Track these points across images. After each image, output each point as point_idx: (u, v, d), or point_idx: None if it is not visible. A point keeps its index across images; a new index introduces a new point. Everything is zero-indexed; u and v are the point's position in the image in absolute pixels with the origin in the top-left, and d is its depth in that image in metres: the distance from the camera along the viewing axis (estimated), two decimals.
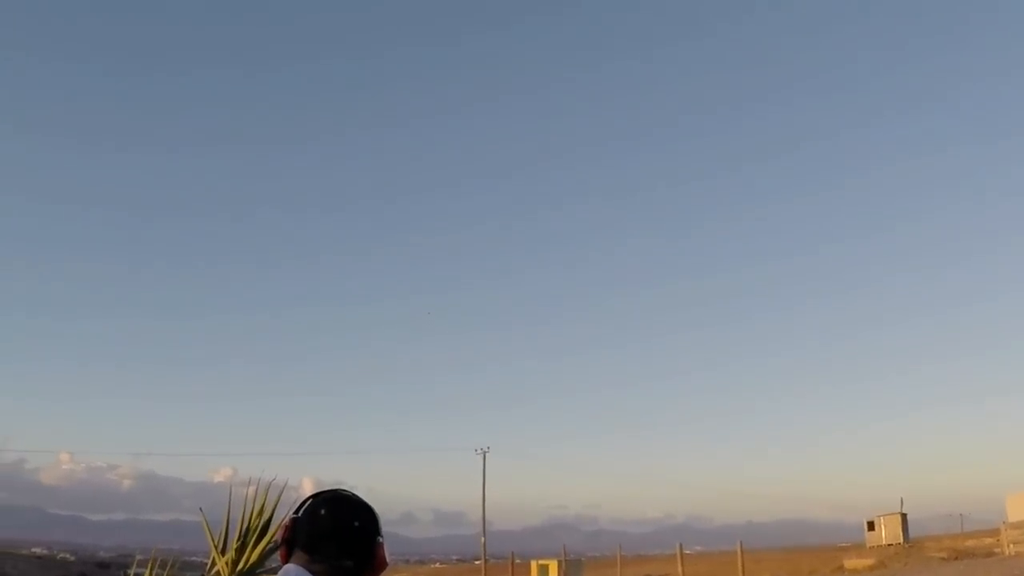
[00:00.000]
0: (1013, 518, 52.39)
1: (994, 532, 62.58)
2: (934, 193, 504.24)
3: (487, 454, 72.28)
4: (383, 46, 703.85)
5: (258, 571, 7.91)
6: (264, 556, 8.09)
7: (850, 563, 62.75)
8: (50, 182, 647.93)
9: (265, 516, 8.10)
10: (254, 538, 8.03)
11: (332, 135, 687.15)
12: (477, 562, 74.41)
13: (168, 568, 8.56)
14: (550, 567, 62.38)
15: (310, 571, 2.93)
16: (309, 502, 3.07)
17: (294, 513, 3.08)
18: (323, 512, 3.01)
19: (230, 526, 8.20)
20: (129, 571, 8.87)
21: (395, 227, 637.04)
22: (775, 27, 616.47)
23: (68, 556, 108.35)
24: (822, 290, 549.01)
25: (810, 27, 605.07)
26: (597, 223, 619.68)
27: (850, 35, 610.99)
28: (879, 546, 69.04)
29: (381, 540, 3.06)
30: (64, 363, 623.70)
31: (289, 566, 2.95)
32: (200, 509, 8.73)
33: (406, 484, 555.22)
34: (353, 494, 3.13)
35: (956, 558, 58.39)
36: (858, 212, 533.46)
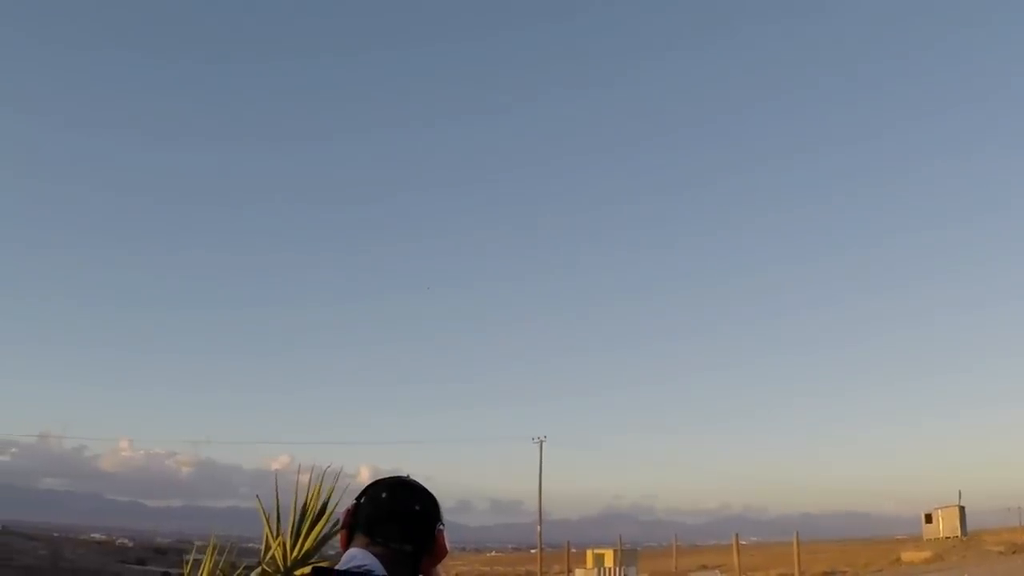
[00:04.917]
0: None
1: None
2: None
3: (544, 443, 72.24)
4: (410, 44, 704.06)
5: (312, 559, 7.93)
6: (320, 542, 8.13)
7: (907, 556, 62.25)
8: (106, 174, 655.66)
9: (320, 502, 8.14)
10: (307, 525, 8.07)
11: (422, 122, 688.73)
12: (533, 551, 74.56)
13: (226, 554, 8.62)
14: (606, 556, 62.39)
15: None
16: (371, 488, 3.08)
17: (356, 499, 3.08)
18: (384, 496, 3.01)
19: (281, 513, 8.27)
20: (187, 556, 8.93)
21: (450, 216, 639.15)
22: (785, 30, 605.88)
23: (126, 542, 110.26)
24: (882, 285, 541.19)
25: (825, 29, 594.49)
26: (654, 217, 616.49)
27: (861, 37, 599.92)
28: (936, 539, 68.45)
29: (442, 527, 3.04)
30: (125, 351, 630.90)
31: (353, 549, 2.94)
32: (257, 496, 8.77)
33: (463, 472, 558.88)
34: (415, 481, 3.13)
35: (1015, 552, 57.71)
36: (941, 198, 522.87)
